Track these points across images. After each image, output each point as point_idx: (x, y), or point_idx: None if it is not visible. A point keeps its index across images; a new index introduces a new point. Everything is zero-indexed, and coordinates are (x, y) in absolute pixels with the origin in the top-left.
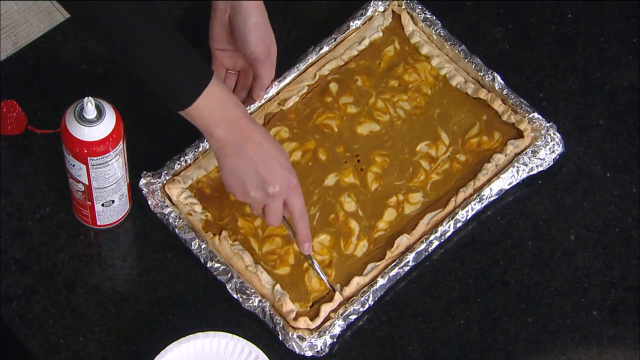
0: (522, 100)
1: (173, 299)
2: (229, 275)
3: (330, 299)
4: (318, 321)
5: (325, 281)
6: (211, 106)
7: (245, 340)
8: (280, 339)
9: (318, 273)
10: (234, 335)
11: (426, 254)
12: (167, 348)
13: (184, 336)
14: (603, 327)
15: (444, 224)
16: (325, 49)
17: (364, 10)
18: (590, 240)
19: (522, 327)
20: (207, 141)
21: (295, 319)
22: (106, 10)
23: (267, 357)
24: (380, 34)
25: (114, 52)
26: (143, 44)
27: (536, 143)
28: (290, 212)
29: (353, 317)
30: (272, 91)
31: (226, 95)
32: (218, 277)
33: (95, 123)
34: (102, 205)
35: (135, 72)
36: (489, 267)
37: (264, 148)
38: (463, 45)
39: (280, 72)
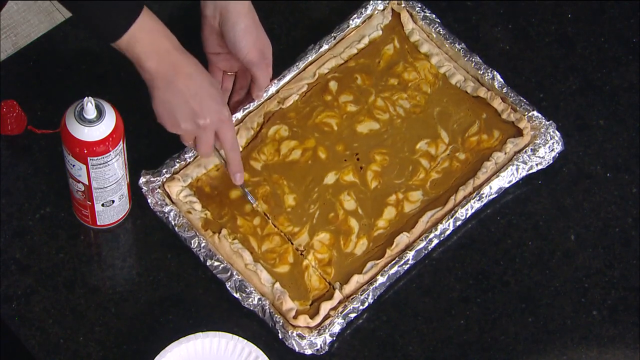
0: (521, 98)
1: (173, 299)
2: (229, 274)
3: (330, 297)
4: (318, 319)
5: (253, 203)
6: (142, 37)
7: (245, 340)
8: (280, 337)
9: (250, 201)
10: (234, 335)
11: (426, 252)
12: (167, 348)
13: (184, 336)
14: (603, 327)
15: (443, 222)
16: (325, 47)
17: (363, 9)
18: (590, 240)
19: (522, 327)
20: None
21: (295, 317)
22: None
23: (267, 357)
24: (380, 32)
25: None
26: None
27: (536, 141)
28: (222, 144)
29: (353, 315)
30: (272, 90)
31: (157, 27)
32: (218, 276)
33: (95, 123)
34: (102, 205)
35: (68, 7)
36: (489, 267)
37: (195, 81)
38: (462, 44)
39: (279, 71)
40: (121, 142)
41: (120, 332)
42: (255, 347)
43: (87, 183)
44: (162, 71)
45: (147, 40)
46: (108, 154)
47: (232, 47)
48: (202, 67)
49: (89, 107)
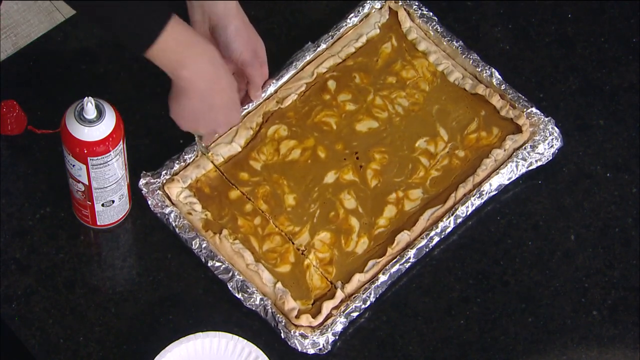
0: (520, 95)
1: (173, 299)
2: (230, 274)
3: (332, 296)
4: (320, 318)
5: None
6: (176, 45)
7: (245, 340)
8: (282, 337)
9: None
10: (234, 335)
11: (427, 250)
12: (167, 348)
13: (184, 336)
14: (603, 327)
15: (444, 219)
16: (323, 46)
17: (360, 8)
18: (590, 240)
19: (522, 327)
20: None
21: (297, 316)
22: None
23: (267, 357)
24: (378, 31)
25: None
26: None
27: (535, 138)
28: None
29: (355, 314)
30: (271, 89)
31: (190, 33)
32: (219, 276)
33: (95, 123)
34: (102, 205)
35: (95, 19)
36: (489, 267)
37: (226, 94)
38: (460, 41)
39: (278, 71)
40: (121, 142)
41: (120, 332)
42: (255, 347)
43: (87, 183)
44: (197, 82)
45: (182, 47)
46: (108, 154)
47: (224, 49)
48: (231, 75)
49: (89, 107)
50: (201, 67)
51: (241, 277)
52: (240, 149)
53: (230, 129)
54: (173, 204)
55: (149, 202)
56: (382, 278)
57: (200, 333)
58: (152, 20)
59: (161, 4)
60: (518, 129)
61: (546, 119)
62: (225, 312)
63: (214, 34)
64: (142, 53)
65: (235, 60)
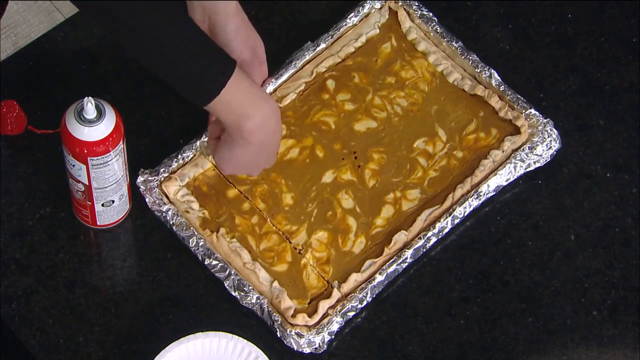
0: (519, 96)
1: (173, 299)
2: (227, 273)
3: (329, 296)
4: (316, 318)
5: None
6: (241, 96)
7: (245, 340)
8: (279, 335)
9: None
10: (234, 335)
11: (424, 250)
12: (167, 348)
13: (184, 336)
14: (603, 327)
15: (441, 220)
16: (322, 46)
17: (360, 7)
18: (590, 240)
19: (522, 327)
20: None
21: (293, 315)
22: (121, 6)
23: (267, 357)
24: (377, 30)
25: (130, 48)
26: (160, 39)
27: (533, 139)
28: None
29: (351, 314)
30: (270, 89)
31: (253, 83)
32: (216, 275)
33: (95, 123)
34: (102, 205)
35: (154, 69)
36: (489, 267)
37: (276, 144)
38: (460, 42)
39: (277, 70)
40: (121, 142)
41: (120, 332)
42: (255, 347)
43: (87, 183)
44: (259, 134)
45: (245, 99)
46: (108, 154)
47: (224, 48)
48: (280, 121)
49: (89, 107)
50: (265, 120)
51: (238, 276)
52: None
53: None
54: (170, 202)
55: (147, 200)
56: (379, 278)
57: (200, 333)
58: (217, 71)
59: (224, 52)
60: (517, 130)
61: (545, 120)
62: (225, 312)
63: (212, 33)
64: (204, 105)
65: (235, 59)
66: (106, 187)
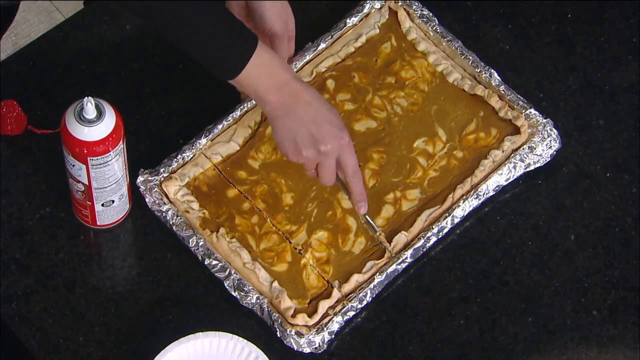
0: (518, 96)
1: (173, 299)
2: (227, 273)
3: (329, 296)
4: (316, 318)
5: (377, 232)
6: (260, 71)
7: (245, 340)
8: (279, 335)
9: (375, 231)
10: (234, 335)
11: (424, 250)
12: (167, 348)
13: (184, 336)
14: (603, 327)
15: (441, 220)
16: (322, 46)
17: (360, 7)
18: (590, 240)
19: (522, 327)
20: (259, 107)
21: (293, 315)
22: None
23: (266, 357)
24: (377, 30)
25: (156, 28)
26: (187, 17)
27: (533, 139)
28: (344, 170)
29: (351, 313)
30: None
31: (274, 59)
32: (216, 274)
33: (95, 123)
34: (102, 205)
35: (180, 46)
36: (489, 267)
37: (313, 107)
38: (459, 42)
39: None
40: (121, 142)
41: (120, 332)
42: (255, 347)
43: (87, 183)
44: (282, 101)
45: (266, 74)
46: (108, 154)
47: (258, 18)
48: (319, 94)
49: (89, 107)
50: (282, 87)
51: (238, 276)
52: (238, 148)
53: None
54: (170, 201)
55: (147, 200)
56: (379, 278)
57: (200, 333)
58: (239, 49)
59: (247, 29)
60: (517, 130)
61: (545, 120)
62: (225, 312)
63: (248, 2)
64: (228, 80)
65: (267, 31)
66: (106, 187)
